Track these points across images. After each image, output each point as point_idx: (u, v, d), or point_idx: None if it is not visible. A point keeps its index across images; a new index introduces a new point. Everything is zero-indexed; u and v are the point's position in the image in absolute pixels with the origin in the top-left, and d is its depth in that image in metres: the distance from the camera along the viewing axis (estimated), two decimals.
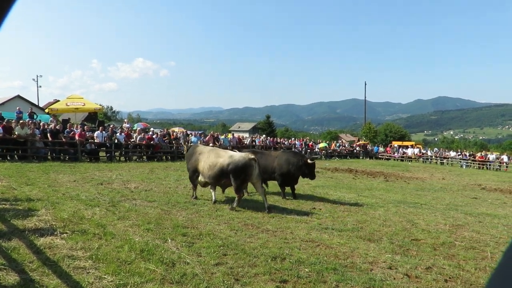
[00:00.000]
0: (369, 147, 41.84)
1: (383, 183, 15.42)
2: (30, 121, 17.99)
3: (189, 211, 7.38)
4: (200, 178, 8.55)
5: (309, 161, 9.50)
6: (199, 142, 20.69)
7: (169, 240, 5.28)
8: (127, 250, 4.73)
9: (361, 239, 6.11)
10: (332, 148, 34.71)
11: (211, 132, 25.95)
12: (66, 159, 16.49)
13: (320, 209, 8.54)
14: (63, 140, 16.43)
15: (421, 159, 36.64)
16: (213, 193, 8.61)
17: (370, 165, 27.36)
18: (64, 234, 5.15)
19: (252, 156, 7.88)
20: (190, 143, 18.92)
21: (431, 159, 36.45)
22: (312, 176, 9.67)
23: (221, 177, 8.03)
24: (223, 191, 9.02)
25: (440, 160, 35.85)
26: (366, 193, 12.05)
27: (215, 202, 8.42)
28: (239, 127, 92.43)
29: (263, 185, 10.01)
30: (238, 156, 7.98)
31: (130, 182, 10.92)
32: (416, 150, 38.99)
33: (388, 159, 37.11)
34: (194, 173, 8.66)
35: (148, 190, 9.65)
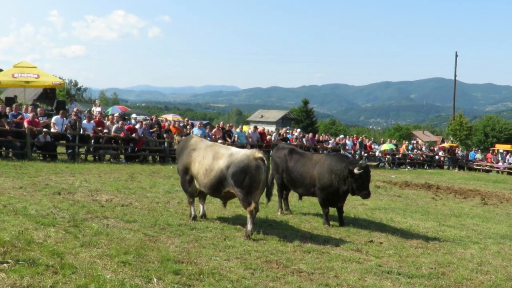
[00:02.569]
0: (459, 151, 41.01)
1: (479, 208, 15.10)
2: None
3: (184, 239, 7.45)
4: (195, 185, 8.76)
5: (356, 170, 9.31)
6: (204, 137, 20.79)
7: (155, 280, 5.34)
8: None
9: None
10: (401, 152, 34.25)
11: (220, 123, 26.00)
12: (10, 155, 16.90)
13: (381, 243, 8.47)
14: (6, 127, 16.85)
15: None
16: (201, 206, 9.32)
17: (460, 179, 26.81)
18: (5, 265, 5.28)
19: (260, 155, 8.04)
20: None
21: None
22: (363, 193, 9.46)
23: (220, 186, 8.26)
24: (224, 205, 9.28)
25: None
26: (453, 221, 11.85)
27: (194, 217, 8.91)
28: (262, 116, 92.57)
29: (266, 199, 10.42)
30: (240, 154, 8.18)
31: (101, 192, 11.11)
32: None
33: (488, 171, 36.25)
34: (185, 176, 8.89)
35: (126, 205, 9.80)
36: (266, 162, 8.08)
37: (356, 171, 9.19)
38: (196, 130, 22.57)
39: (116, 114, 23.31)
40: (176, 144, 10.03)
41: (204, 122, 36.84)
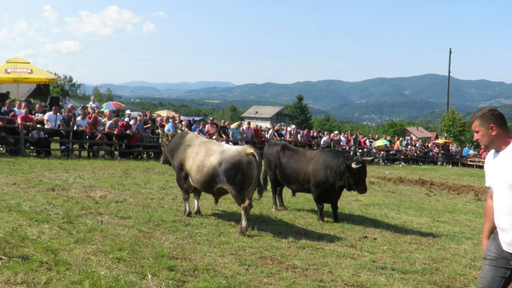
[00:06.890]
0: (453, 148, 41.18)
1: (473, 203, 15.17)
2: None
3: (179, 235, 7.46)
4: (190, 181, 8.84)
5: (354, 165, 9.35)
6: (196, 133, 20.75)
7: (150, 276, 5.35)
8: (88, 287, 4.83)
9: (437, 286, 6.07)
10: (395, 148, 34.36)
11: (211, 119, 25.83)
12: (3, 151, 16.84)
13: (375, 239, 8.51)
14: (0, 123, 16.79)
15: None
16: (196, 202, 9.33)
17: (454, 175, 26.96)
18: None
19: (251, 150, 8.10)
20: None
21: None
22: (360, 188, 9.54)
23: (212, 182, 8.32)
24: (216, 202, 9.31)
25: None
26: (446, 217, 11.90)
27: (189, 213, 8.94)
28: (256, 113, 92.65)
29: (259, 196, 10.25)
30: (232, 150, 8.24)
31: (95, 188, 11.10)
32: None
33: (481, 167, 36.44)
34: (181, 172, 8.94)
35: (120, 201, 9.80)
36: (257, 158, 8.12)
37: (354, 165, 9.23)
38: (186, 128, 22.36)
39: (107, 111, 23.20)
40: (168, 140, 9.87)
41: (198, 118, 36.70)
